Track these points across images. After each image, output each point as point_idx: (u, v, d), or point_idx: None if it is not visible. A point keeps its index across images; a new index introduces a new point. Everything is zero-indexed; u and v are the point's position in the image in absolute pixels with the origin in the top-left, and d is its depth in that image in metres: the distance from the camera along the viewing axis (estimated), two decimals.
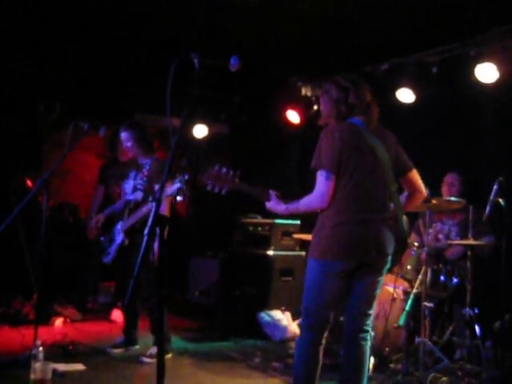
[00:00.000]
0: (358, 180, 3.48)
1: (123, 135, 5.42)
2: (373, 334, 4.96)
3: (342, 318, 3.99)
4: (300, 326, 3.67)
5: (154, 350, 5.20)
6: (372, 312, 3.64)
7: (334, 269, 3.45)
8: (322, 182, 3.46)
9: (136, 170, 5.47)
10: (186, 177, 4.37)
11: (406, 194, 3.78)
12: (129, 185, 5.48)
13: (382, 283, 3.69)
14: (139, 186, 5.37)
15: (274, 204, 3.68)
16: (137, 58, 6.83)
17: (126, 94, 7.63)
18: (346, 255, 3.43)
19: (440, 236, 5.58)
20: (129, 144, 5.42)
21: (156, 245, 3.50)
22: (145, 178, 5.36)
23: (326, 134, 3.55)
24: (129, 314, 5.60)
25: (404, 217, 3.66)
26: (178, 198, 4.02)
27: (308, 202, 3.55)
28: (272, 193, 3.69)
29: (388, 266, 3.60)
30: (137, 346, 5.56)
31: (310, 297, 3.54)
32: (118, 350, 5.44)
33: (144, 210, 5.09)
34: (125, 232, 5.31)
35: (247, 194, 3.68)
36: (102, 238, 5.68)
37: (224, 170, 3.55)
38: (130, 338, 5.55)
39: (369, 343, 3.63)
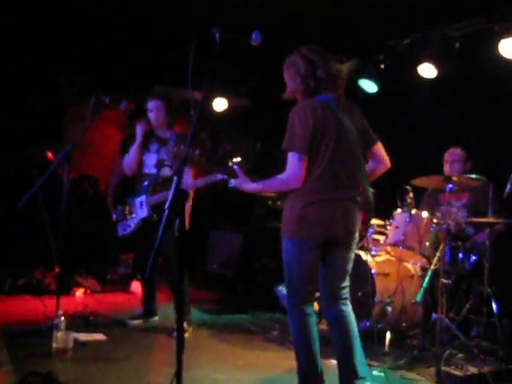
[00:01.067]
0: (330, 159, 3.47)
1: (156, 104, 5.35)
2: (390, 309, 5.00)
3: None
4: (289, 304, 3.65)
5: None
6: (347, 284, 3.69)
7: (307, 245, 3.49)
8: (295, 163, 3.43)
9: (159, 143, 5.39)
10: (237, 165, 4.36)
11: (368, 165, 3.78)
12: (151, 158, 5.39)
13: (352, 258, 3.71)
14: (166, 162, 5.26)
15: (240, 181, 3.69)
16: (159, 31, 6.81)
17: (146, 67, 7.63)
18: (317, 233, 3.47)
19: (449, 221, 5.52)
20: (160, 114, 5.37)
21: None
22: (171, 154, 5.24)
23: (297, 112, 3.50)
24: (147, 285, 5.65)
25: (370, 189, 3.68)
26: (231, 185, 3.99)
27: (280, 182, 3.53)
28: (238, 169, 3.68)
29: (356, 240, 3.67)
30: (156, 317, 5.62)
31: (291, 274, 3.58)
32: (136, 322, 5.51)
33: (198, 183, 5.06)
34: (151, 207, 5.24)
35: (214, 172, 3.68)
36: (116, 212, 5.56)
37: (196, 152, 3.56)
38: (148, 309, 5.60)
39: (349, 308, 3.66)
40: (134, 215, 5.37)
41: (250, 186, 3.69)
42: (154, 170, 5.35)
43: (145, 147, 5.45)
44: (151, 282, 5.59)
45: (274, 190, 3.76)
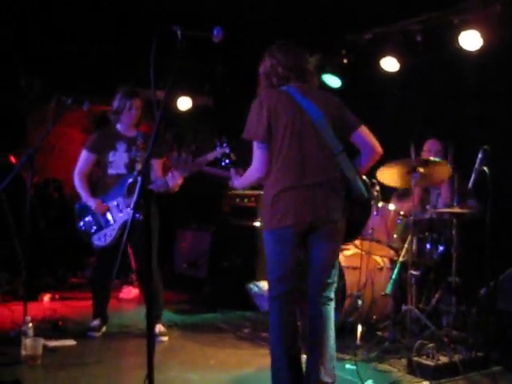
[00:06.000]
0: (290, 146, 3.49)
1: (140, 103, 5.14)
2: (360, 302, 5.03)
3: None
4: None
5: (160, 327, 5.17)
6: (332, 281, 3.62)
7: (282, 236, 3.48)
8: (255, 152, 3.55)
9: (127, 142, 5.12)
10: (226, 144, 4.31)
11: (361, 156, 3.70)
12: (120, 158, 5.10)
13: (339, 251, 3.75)
14: (139, 159, 5.02)
15: (232, 181, 3.86)
16: (119, 30, 6.74)
17: (108, 68, 7.54)
18: (289, 221, 3.44)
19: (427, 206, 5.59)
20: (140, 113, 5.18)
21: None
22: (142, 152, 5.00)
23: (254, 104, 3.59)
24: (105, 291, 5.33)
25: (363, 179, 3.64)
26: (224, 164, 3.99)
27: (248, 174, 3.65)
28: (232, 171, 3.84)
29: (338, 230, 3.58)
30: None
31: (270, 268, 3.57)
32: (99, 333, 5.20)
33: (159, 182, 4.79)
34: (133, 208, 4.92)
35: (212, 176, 3.81)
36: (81, 223, 5.19)
37: (183, 156, 3.63)
38: (103, 317, 5.29)
39: (330, 310, 3.61)
40: (111, 222, 5.08)
41: (237, 183, 3.82)
42: (123, 170, 5.09)
43: (111, 146, 5.16)
44: (105, 286, 5.31)
45: (249, 183, 3.75)
